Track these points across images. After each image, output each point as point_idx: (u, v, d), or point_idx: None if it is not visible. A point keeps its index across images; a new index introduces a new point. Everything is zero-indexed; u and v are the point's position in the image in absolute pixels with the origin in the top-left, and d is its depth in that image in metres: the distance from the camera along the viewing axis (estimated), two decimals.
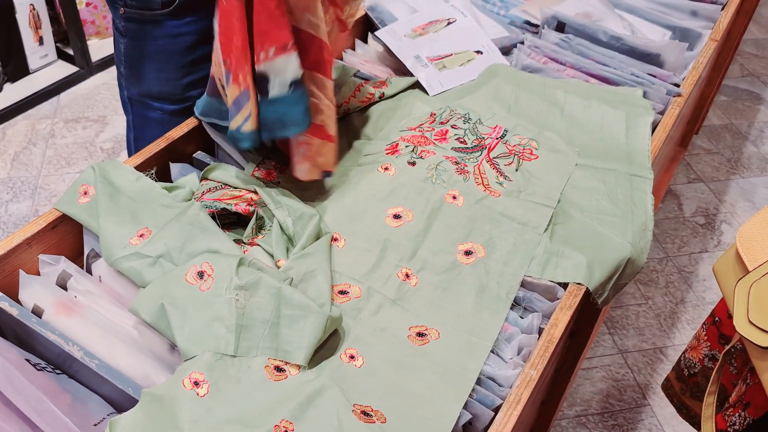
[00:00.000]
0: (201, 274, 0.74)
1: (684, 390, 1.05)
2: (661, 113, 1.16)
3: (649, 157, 1.05)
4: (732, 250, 0.84)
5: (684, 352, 1.05)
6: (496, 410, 0.71)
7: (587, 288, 0.85)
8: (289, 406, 0.66)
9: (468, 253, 0.88)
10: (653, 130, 1.12)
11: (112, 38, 1.46)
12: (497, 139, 1.06)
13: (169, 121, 1.19)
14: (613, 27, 1.37)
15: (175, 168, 0.99)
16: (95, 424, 0.71)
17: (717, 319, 0.98)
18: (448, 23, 1.33)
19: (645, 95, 1.18)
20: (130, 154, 1.30)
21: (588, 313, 1.00)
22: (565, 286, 0.85)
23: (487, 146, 1.04)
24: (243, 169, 0.97)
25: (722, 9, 1.50)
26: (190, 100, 1.18)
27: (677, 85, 1.23)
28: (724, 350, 0.84)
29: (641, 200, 0.97)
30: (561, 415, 1.51)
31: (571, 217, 0.94)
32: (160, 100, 1.18)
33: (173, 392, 0.66)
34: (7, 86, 2.32)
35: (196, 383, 0.67)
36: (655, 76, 1.24)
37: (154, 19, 1.09)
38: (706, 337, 0.99)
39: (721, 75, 2.03)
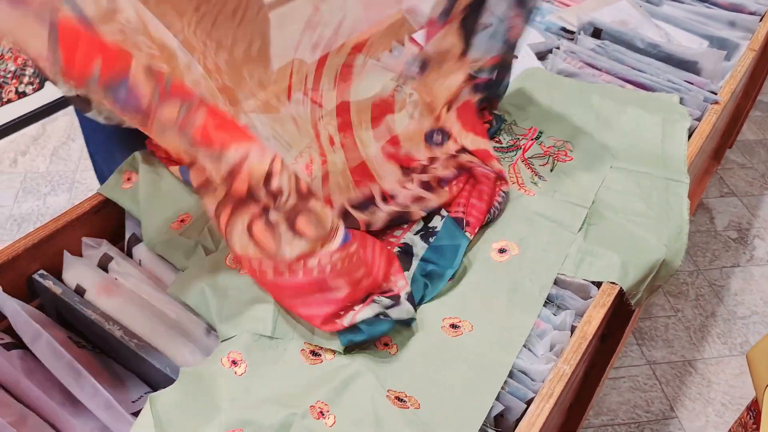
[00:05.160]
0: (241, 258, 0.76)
1: None
2: (698, 120, 1.16)
3: (685, 162, 1.04)
4: None
5: None
6: (528, 403, 0.71)
7: (621, 288, 0.85)
8: (324, 388, 0.67)
9: (502, 251, 0.88)
10: (689, 137, 1.12)
11: None
12: (532, 140, 1.06)
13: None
14: (650, 35, 1.37)
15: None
16: (134, 401, 0.73)
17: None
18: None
19: (682, 102, 1.18)
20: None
21: (620, 316, 0.99)
22: (598, 285, 0.85)
23: (522, 147, 1.04)
24: None
25: (761, 20, 1.49)
26: None
27: (714, 93, 1.22)
28: None
29: (677, 203, 0.97)
30: (587, 423, 1.50)
31: (606, 218, 0.94)
32: None
33: (212, 370, 0.67)
34: (48, 83, 2.39)
35: (234, 362, 0.68)
36: (692, 84, 1.23)
37: None
38: (754, 426, 0.93)
39: (758, 88, 2.01)
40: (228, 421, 0.64)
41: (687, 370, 1.64)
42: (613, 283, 0.84)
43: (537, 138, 1.06)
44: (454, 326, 0.78)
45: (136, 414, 0.67)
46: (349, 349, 0.73)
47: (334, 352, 0.72)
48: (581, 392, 1.15)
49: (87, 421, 0.69)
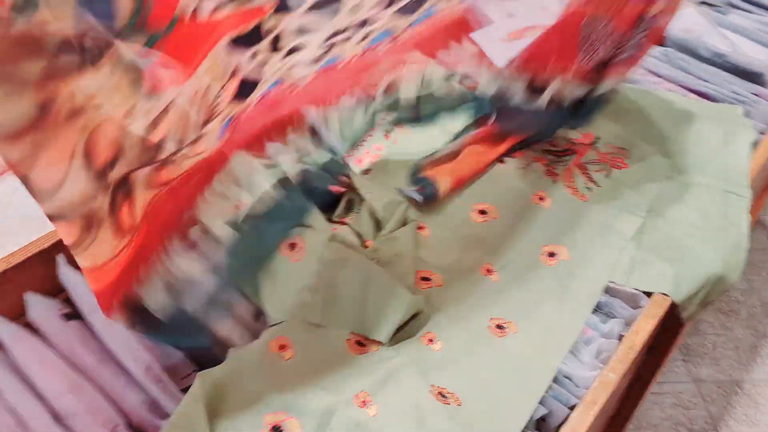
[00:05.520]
0: (292, 246, 0.77)
1: None
2: (763, 133, 1.12)
3: (747, 175, 1.01)
4: None
5: None
6: (571, 409, 0.71)
7: (672, 300, 0.83)
8: (368, 379, 0.68)
9: (552, 254, 0.88)
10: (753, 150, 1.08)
11: None
12: (588, 145, 1.05)
13: None
14: (716, 44, 1.33)
15: None
16: (183, 378, 0.75)
17: None
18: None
19: (746, 114, 1.14)
20: None
21: (668, 329, 0.97)
22: (649, 295, 0.84)
23: (578, 151, 1.03)
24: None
25: None
26: None
27: None
28: None
29: (736, 217, 0.94)
30: None
31: (660, 228, 0.92)
32: None
33: (259, 353, 0.69)
34: None
35: (282, 347, 0.70)
36: (758, 96, 1.20)
37: None
38: None
39: None
40: (273, 404, 0.65)
41: (734, 390, 1.60)
42: (664, 294, 0.83)
43: (593, 144, 1.05)
44: (500, 327, 0.78)
45: (185, 390, 0.69)
46: (394, 341, 0.74)
47: (379, 343, 0.73)
48: (624, 403, 1.13)
49: (138, 393, 0.72)
